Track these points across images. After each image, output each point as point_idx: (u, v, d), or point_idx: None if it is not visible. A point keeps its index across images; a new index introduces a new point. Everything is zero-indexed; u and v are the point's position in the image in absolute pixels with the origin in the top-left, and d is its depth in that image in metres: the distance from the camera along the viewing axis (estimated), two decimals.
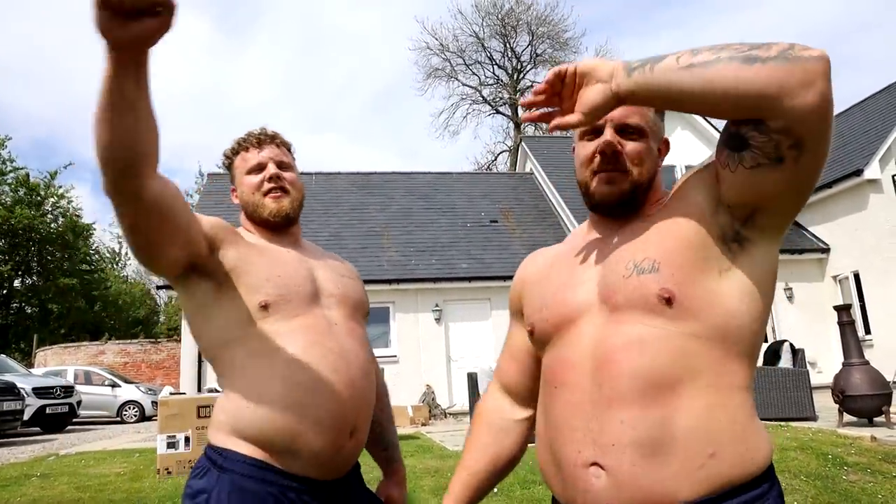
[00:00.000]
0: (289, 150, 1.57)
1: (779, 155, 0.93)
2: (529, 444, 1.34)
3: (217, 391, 7.38)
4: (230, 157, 1.54)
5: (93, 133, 1.01)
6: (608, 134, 1.12)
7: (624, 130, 1.12)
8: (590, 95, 1.02)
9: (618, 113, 1.11)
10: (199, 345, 1.40)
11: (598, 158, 1.12)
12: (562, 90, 1.04)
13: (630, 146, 1.12)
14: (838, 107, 17.44)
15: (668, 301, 1.00)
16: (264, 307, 1.32)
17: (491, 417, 1.36)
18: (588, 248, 1.19)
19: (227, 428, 1.30)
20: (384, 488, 1.61)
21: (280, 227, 1.49)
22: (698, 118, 14.85)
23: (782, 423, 6.82)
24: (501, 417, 1.35)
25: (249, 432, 1.27)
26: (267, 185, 1.47)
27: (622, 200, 1.13)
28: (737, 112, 0.94)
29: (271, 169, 1.47)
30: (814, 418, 7.45)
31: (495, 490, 4.64)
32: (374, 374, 1.49)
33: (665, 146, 1.20)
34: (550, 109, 1.06)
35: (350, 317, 1.46)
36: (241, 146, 1.51)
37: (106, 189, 1.09)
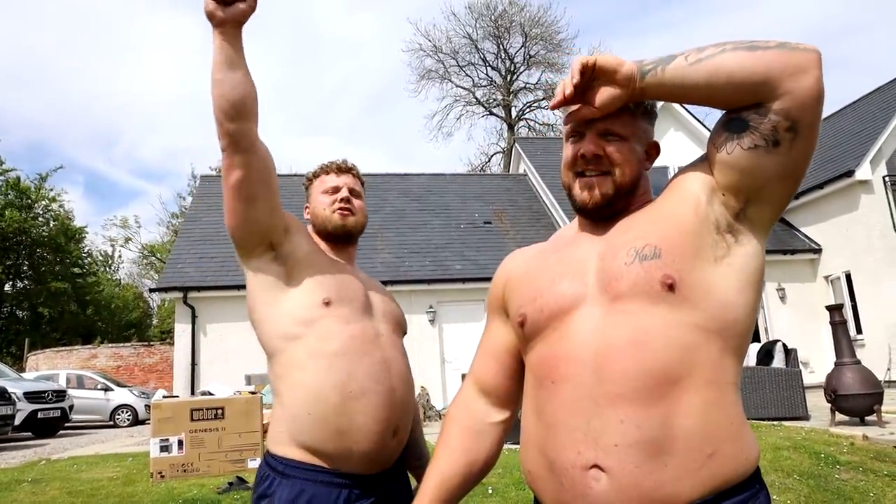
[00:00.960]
0: (362, 184, 1.77)
1: (776, 138, 0.99)
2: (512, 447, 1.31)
3: (210, 394, 7.35)
4: (311, 179, 1.75)
5: (212, 92, 1.34)
6: (589, 137, 1.13)
7: (606, 134, 1.13)
8: (606, 97, 1.07)
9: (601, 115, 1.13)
10: (261, 332, 1.52)
11: (579, 161, 1.14)
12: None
13: (611, 148, 1.13)
14: (830, 108, 17.48)
15: (671, 287, 1.00)
16: (327, 304, 1.48)
17: (466, 420, 1.29)
18: (581, 241, 1.18)
19: (286, 437, 1.44)
20: None
21: (341, 241, 1.68)
22: (691, 120, 14.93)
23: (775, 423, 6.84)
24: (477, 420, 1.28)
25: (306, 440, 1.42)
26: (338, 204, 1.66)
27: (605, 203, 1.13)
28: (740, 93, 0.99)
29: (344, 192, 1.68)
30: (806, 418, 7.49)
31: (490, 491, 4.64)
32: (412, 380, 1.63)
33: (654, 150, 1.20)
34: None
35: (394, 331, 1.63)
36: (322, 171, 1.73)
37: (227, 134, 1.36)
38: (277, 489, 1.40)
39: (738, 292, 1.03)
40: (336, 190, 1.68)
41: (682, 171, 1.13)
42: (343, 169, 1.73)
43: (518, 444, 1.19)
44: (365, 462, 1.44)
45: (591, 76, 1.07)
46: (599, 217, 1.16)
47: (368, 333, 1.52)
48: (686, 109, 14.89)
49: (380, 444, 1.45)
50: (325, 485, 1.41)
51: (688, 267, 1.02)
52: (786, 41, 0.97)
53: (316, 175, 1.74)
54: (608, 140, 1.13)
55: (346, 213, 1.66)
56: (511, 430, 1.31)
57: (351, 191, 1.70)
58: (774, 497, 4.33)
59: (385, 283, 12.46)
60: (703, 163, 1.09)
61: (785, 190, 1.04)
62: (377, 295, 1.65)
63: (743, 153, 1.01)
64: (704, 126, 15.10)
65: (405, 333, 1.73)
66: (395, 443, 1.50)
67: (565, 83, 1.07)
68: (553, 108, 1.11)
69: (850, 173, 12.38)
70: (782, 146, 0.99)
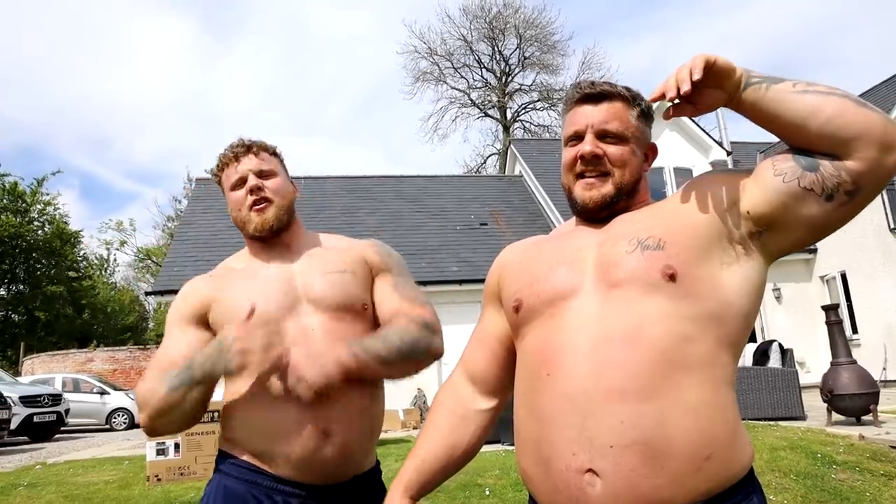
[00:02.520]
0: (272, 153, 1.55)
1: (832, 193, 0.98)
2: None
3: None
4: (217, 176, 1.55)
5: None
6: (588, 139, 1.14)
7: (605, 135, 1.14)
8: (711, 101, 1.06)
9: (598, 118, 1.14)
10: None
11: (579, 162, 1.14)
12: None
13: (611, 149, 1.13)
14: None
15: (672, 277, 1.00)
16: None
17: (452, 404, 1.29)
18: (580, 232, 1.19)
19: (226, 434, 1.42)
20: None
21: (268, 239, 1.50)
22: (687, 121, 14.95)
23: (772, 423, 6.85)
24: (463, 406, 1.28)
25: (239, 440, 1.39)
26: (249, 199, 1.47)
27: (605, 204, 1.14)
28: (828, 140, 0.98)
29: (251, 181, 1.47)
30: (803, 417, 7.49)
31: (487, 492, 4.63)
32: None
33: (652, 151, 1.21)
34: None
35: (333, 318, 1.42)
36: (221, 163, 1.52)
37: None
38: (212, 484, 1.40)
39: (738, 296, 1.04)
40: (242, 182, 1.48)
41: (705, 178, 1.13)
42: (240, 152, 1.50)
43: (514, 445, 1.18)
44: (297, 467, 1.33)
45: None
46: (598, 219, 1.17)
47: (295, 334, 1.37)
48: None
49: (304, 448, 1.32)
50: (254, 485, 1.34)
51: (692, 261, 1.02)
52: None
53: (220, 169, 1.53)
54: (608, 142, 1.13)
55: (262, 206, 1.47)
56: (496, 424, 1.31)
57: (260, 174, 1.48)
58: (771, 497, 4.33)
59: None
60: (732, 176, 1.09)
61: (806, 237, 1.04)
62: (311, 281, 1.45)
63: (796, 189, 1.00)
64: (700, 128, 15.14)
65: (363, 307, 1.48)
66: (330, 447, 1.34)
67: (681, 78, 1.00)
68: (654, 100, 1.07)
69: None
70: (834, 202, 0.99)
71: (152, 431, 1.38)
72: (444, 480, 1.27)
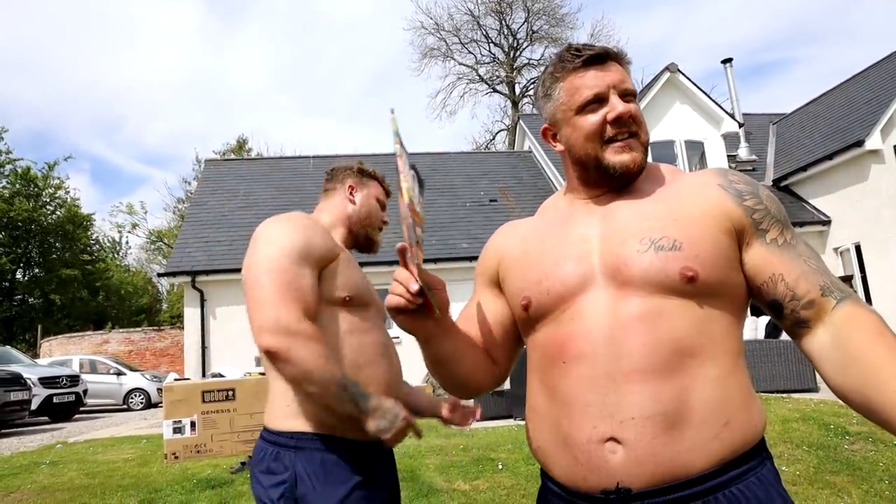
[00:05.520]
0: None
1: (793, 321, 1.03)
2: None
3: (221, 375, 7.41)
4: (363, 173, 1.93)
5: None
6: (616, 100, 1.08)
7: (625, 95, 1.10)
8: None
9: (616, 78, 1.10)
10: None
11: (609, 127, 1.08)
12: None
13: (634, 107, 1.10)
14: (838, 77, 17.18)
15: (691, 280, 0.98)
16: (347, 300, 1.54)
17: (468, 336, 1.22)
18: (578, 217, 1.15)
19: (291, 411, 1.45)
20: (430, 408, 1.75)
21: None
22: (697, 92, 14.73)
23: (784, 395, 6.85)
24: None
25: (315, 411, 1.43)
26: (382, 222, 1.92)
27: (641, 168, 1.11)
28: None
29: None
30: (815, 389, 7.49)
31: (500, 466, 4.68)
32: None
33: None
34: None
35: (384, 321, 1.67)
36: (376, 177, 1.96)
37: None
38: (297, 463, 1.40)
39: (746, 281, 1.06)
40: (382, 206, 1.87)
41: (726, 195, 1.07)
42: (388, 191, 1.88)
43: (525, 419, 1.18)
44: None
45: None
46: (626, 184, 1.13)
47: (376, 322, 1.62)
48: (691, 81, 14.70)
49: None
50: (341, 451, 1.44)
51: (711, 264, 1.00)
52: None
53: (367, 174, 1.89)
54: (627, 100, 1.10)
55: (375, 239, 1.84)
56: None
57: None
58: (784, 468, 4.35)
59: (391, 263, 12.52)
60: (742, 219, 1.05)
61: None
62: (374, 290, 1.69)
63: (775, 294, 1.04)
64: (712, 100, 14.91)
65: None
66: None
67: None
68: None
69: (859, 143, 12.23)
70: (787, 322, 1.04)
71: (276, 361, 1.37)
72: (448, 350, 1.17)
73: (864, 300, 1.02)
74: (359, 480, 1.43)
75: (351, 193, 1.78)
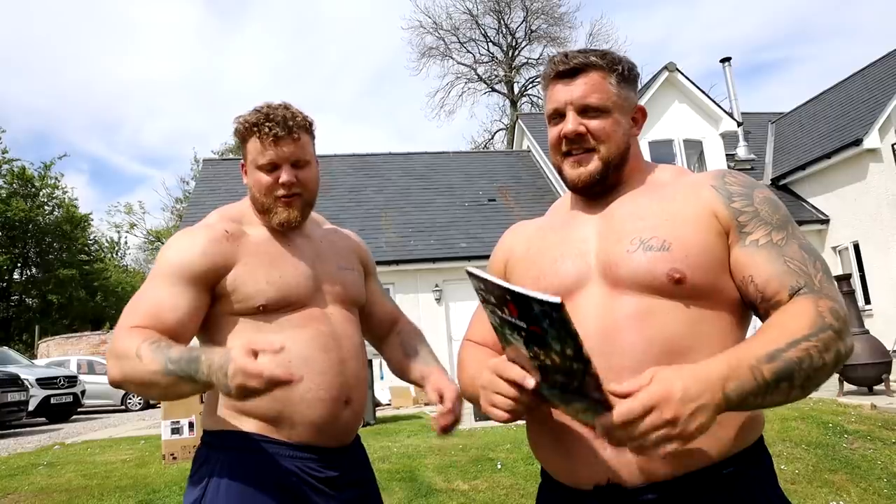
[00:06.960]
0: (311, 135, 1.47)
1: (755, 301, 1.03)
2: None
3: None
4: (244, 135, 1.43)
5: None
6: (570, 117, 1.12)
7: (586, 110, 1.11)
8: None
9: (577, 94, 1.11)
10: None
11: (563, 141, 1.13)
12: None
13: (594, 124, 1.11)
14: (837, 75, 17.23)
15: (679, 281, 0.99)
16: (263, 309, 1.36)
17: (479, 351, 1.25)
18: (579, 218, 1.18)
19: (223, 410, 1.36)
20: (433, 385, 1.51)
21: (289, 229, 1.48)
22: (695, 91, 14.72)
23: None
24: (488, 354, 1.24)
25: (246, 409, 1.32)
26: (280, 191, 1.41)
27: (595, 181, 1.13)
28: None
29: (285, 176, 1.40)
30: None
31: (499, 466, 4.68)
32: (366, 357, 1.53)
33: (641, 114, 1.19)
34: None
35: (345, 308, 1.51)
36: (255, 130, 1.40)
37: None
38: (217, 464, 1.30)
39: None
40: (274, 167, 1.40)
41: (721, 202, 1.07)
42: (281, 136, 1.38)
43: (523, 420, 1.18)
44: (315, 432, 1.35)
45: None
46: (593, 194, 1.16)
47: (314, 312, 1.41)
48: (690, 81, 14.70)
49: (330, 413, 1.36)
50: (266, 454, 1.30)
51: (699, 265, 1.01)
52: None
53: (249, 133, 1.41)
54: (589, 116, 1.11)
55: (289, 199, 1.42)
56: None
57: (296, 163, 1.41)
58: (782, 467, 4.34)
59: (390, 262, 12.52)
60: (729, 228, 1.05)
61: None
62: (328, 270, 1.50)
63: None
64: (710, 99, 14.91)
65: (360, 304, 1.60)
66: (348, 413, 1.40)
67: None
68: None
69: (857, 142, 12.22)
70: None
71: (119, 387, 1.27)
72: None
73: (836, 298, 0.99)
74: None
75: (244, 172, 1.50)
